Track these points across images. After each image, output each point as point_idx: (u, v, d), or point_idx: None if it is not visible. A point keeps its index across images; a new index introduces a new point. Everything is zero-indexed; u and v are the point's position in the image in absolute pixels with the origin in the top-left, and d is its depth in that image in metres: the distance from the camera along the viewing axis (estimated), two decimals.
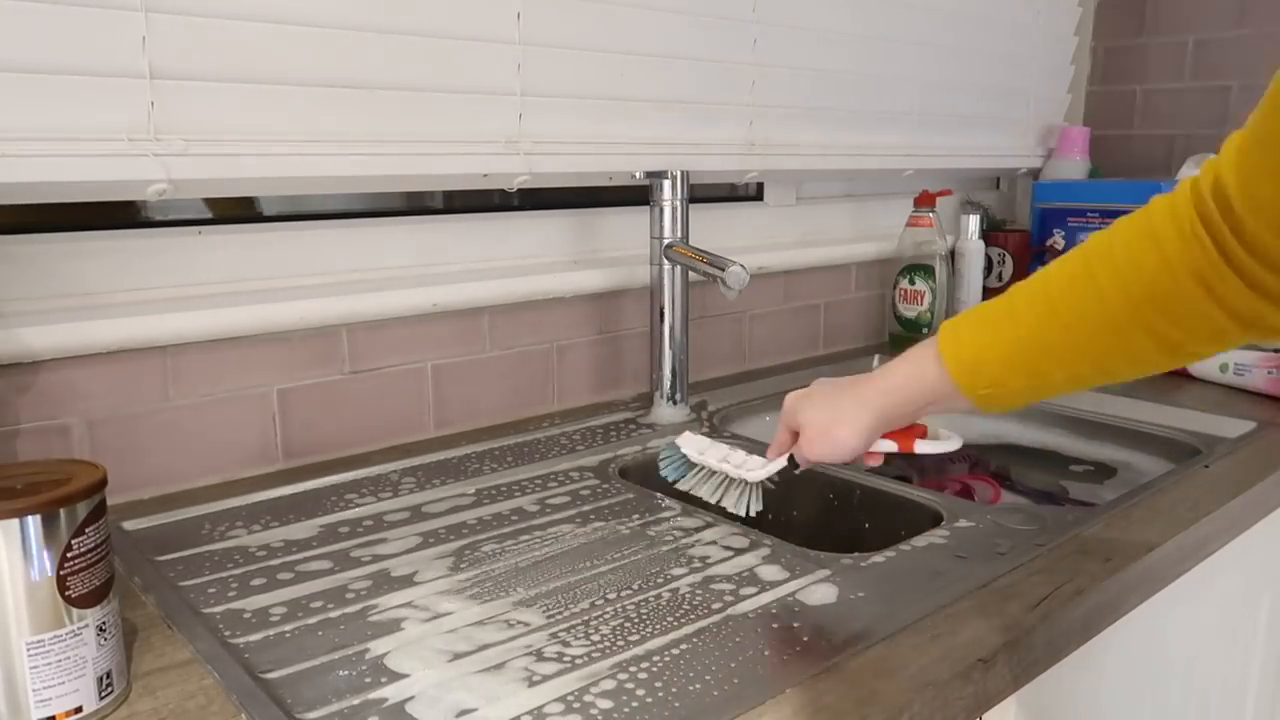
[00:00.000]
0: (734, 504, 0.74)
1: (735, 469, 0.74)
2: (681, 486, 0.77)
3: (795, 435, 0.71)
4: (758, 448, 0.79)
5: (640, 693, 0.54)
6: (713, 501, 0.75)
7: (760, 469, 0.73)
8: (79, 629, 0.51)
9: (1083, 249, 0.58)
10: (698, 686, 0.55)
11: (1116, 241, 0.56)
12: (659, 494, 0.86)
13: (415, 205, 1.09)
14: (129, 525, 0.78)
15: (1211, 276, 0.53)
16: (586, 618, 0.63)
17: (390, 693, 0.55)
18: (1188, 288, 0.53)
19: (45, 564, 0.50)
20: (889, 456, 0.70)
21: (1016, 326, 0.59)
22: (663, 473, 0.79)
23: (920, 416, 0.67)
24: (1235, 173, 0.51)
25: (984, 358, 0.60)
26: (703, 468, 0.77)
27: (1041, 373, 0.59)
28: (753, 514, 0.73)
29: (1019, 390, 0.60)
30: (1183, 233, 0.53)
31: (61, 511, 0.50)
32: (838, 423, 0.66)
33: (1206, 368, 1.23)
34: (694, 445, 0.78)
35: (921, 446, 0.69)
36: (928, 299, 1.41)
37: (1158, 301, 0.54)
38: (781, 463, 0.72)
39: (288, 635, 0.61)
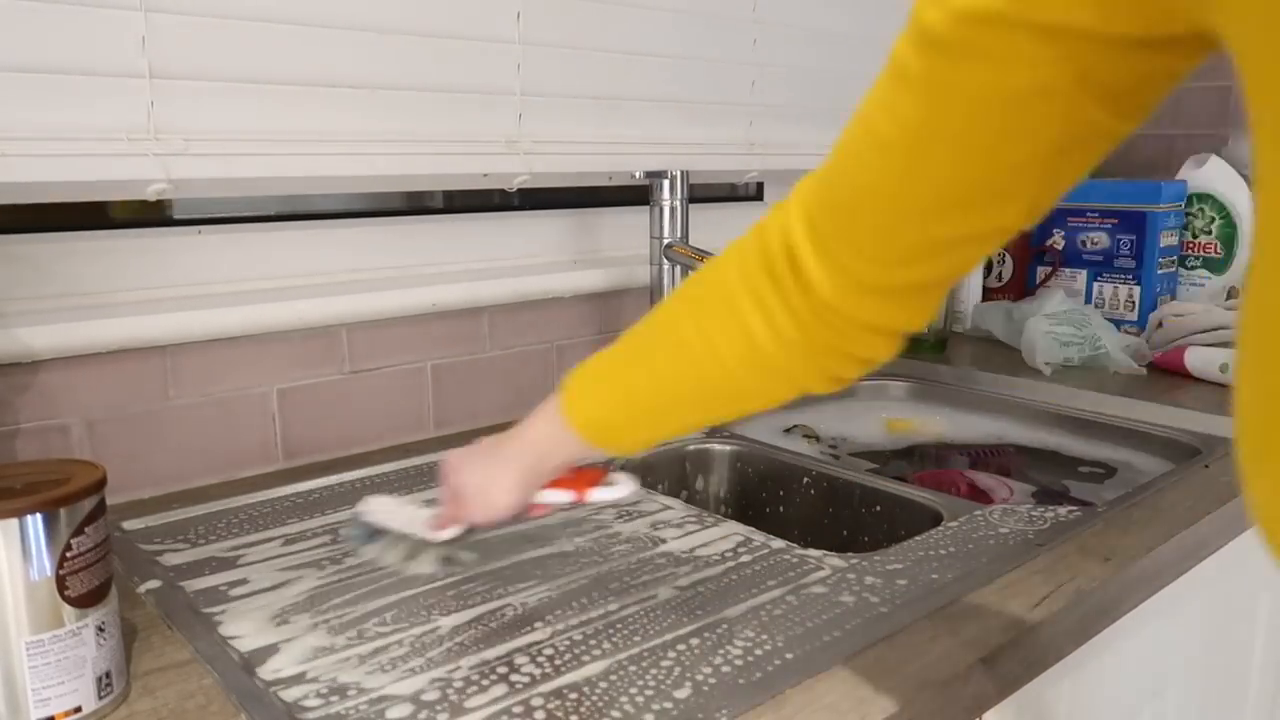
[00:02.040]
0: (431, 565, 0.70)
1: (421, 536, 0.69)
2: (370, 554, 0.71)
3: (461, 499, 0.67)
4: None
5: (634, 695, 0.54)
6: (401, 563, 0.70)
7: (437, 534, 0.68)
8: (78, 629, 0.51)
9: (676, 313, 0.58)
10: (696, 683, 0.55)
11: (705, 308, 0.56)
12: (659, 494, 0.86)
13: (415, 205, 1.09)
14: (129, 525, 0.78)
15: (794, 336, 0.52)
16: (584, 617, 0.63)
17: (390, 690, 0.55)
18: (769, 350, 0.53)
19: (45, 564, 0.50)
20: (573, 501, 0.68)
21: (631, 392, 0.59)
22: (351, 540, 0.73)
23: (567, 467, 0.65)
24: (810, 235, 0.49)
25: (608, 419, 0.60)
26: (390, 533, 0.70)
27: (661, 426, 0.60)
28: (440, 574, 0.71)
29: (643, 440, 0.61)
30: (761, 301, 0.52)
31: (61, 511, 0.50)
32: (490, 484, 0.64)
33: (1207, 368, 1.23)
34: (379, 511, 0.71)
35: (595, 494, 0.67)
36: None
37: (747, 363, 0.54)
38: (458, 529, 0.68)
39: (287, 634, 0.61)
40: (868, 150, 0.45)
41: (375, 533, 0.71)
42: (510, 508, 0.64)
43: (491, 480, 0.64)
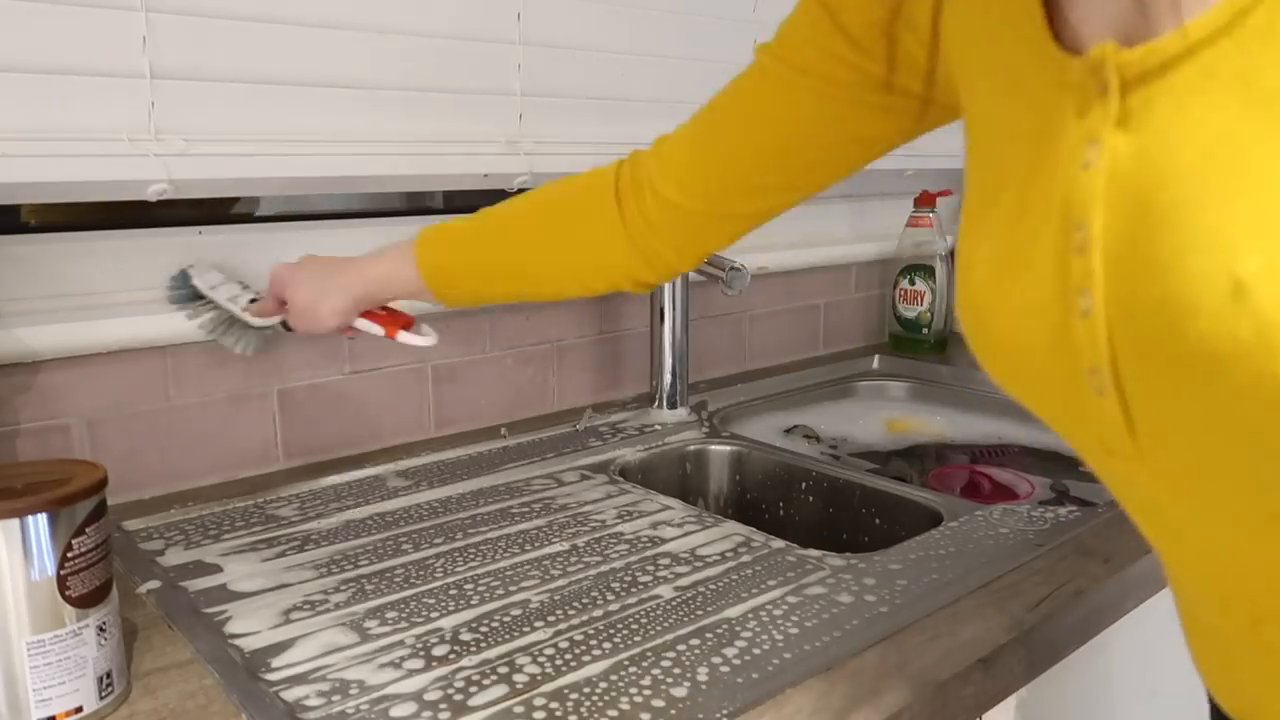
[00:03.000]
0: (232, 343, 0.82)
1: (241, 311, 0.80)
2: (186, 317, 0.82)
3: (283, 303, 0.78)
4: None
5: (635, 695, 0.54)
6: (210, 336, 0.82)
7: (262, 320, 0.80)
8: (79, 629, 0.51)
9: (538, 202, 0.72)
10: (696, 683, 0.55)
11: (556, 198, 0.71)
12: (659, 494, 0.86)
13: (415, 205, 1.09)
14: (129, 525, 0.78)
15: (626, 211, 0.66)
16: (586, 617, 0.63)
17: (392, 690, 0.55)
18: (603, 249, 0.68)
19: (46, 564, 0.50)
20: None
21: (479, 250, 0.72)
22: (169, 298, 0.83)
23: (394, 301, 0.77)
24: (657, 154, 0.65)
25: (452, 270, 0.72)
26: (209, 301, 0.82)
27: (490, 288, 0.73)
28: (248, 353, 0.83)
29: (470, 295, 0.75)
30: (606, 196, 0.67)
31: (62, 512, 0.50)
32: (320, 303, 0.74)
33: None
34: (206, 279, 0.82)
35: (403, 338, 0.77)
36: (927, 299, 1.41)
37: (581, 244, 0.69)
38: (275, 320, 0.80)
39: (288, 634, 0.61)
40: (723, 120, 0.60)
41: (197, 296, 0.82)
42: (332, 328, 0.75)
43: (323, 300, 0.74)
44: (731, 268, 0.97)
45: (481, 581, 0.69)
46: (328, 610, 0.64)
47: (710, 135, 0.61)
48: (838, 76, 0.54)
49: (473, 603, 0.65)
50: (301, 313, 0.76)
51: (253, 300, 0.82)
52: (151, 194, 0.79)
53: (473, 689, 0.55)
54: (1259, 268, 0.28)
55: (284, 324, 0.80)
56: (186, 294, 0.82)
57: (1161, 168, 0.32)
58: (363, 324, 0.76)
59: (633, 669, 0.57)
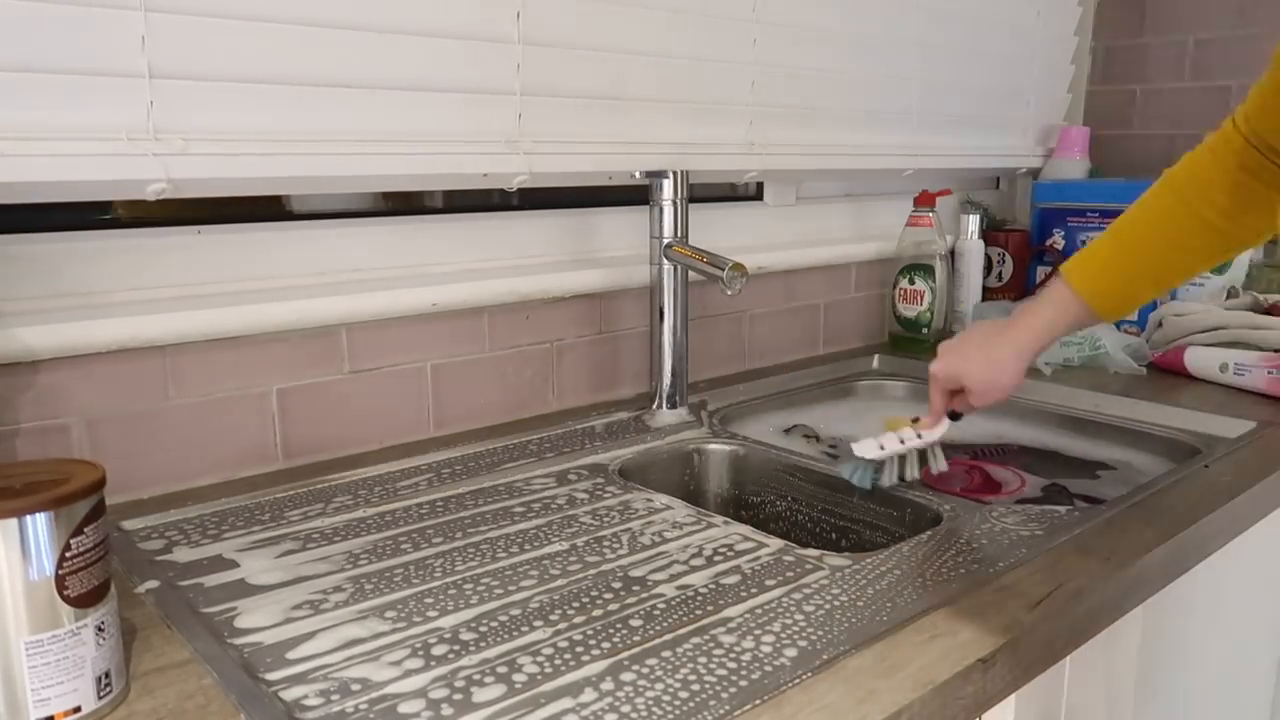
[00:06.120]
0: (921, 469, 0.88)
1: (920, 442, 0.87)
2: (884, 485, 0.87)
3: (951, 392, 0.88)
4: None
5: (635, 695, 0.54)
6: (911, 478, 0.87)
7: (935, 430, 0.87)
8: (77, 629, 0.51)
9: (1161, 183, 0.80)
10: (697, 687, 0.55)
11: (1182, 169, 0.79)
12: (659, 494, 0.86)
13: (415, 205, 1.09)
14: (128, 525, 0.78)
15: (1255, 167, 0.76)
16: (585, 617, 0.63)
17: (391, 689, 0.55)
18: (1240, 179, 0.76)
19: (44, 564, 0.50)
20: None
21: (1126, 254, 0.80)
22: (856, 484, 0.87)
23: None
24: (1252, 112, 0.75)
25: (1114, 288, 0.80)
26: (888, 459, 0.87)
27: (1158, 289, 0.81)
28: (943, 470, 0.89)
29: (1142, 302, 0.82)
30: (1232, 146, 0.76)
31: (61, 511, 0.50)
32: (1001, 374, 0.83)
33: (1207, 368, 1.23)
34: (870, 448, 0.87)
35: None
36: (927, 299, 1.41)
37: (1214, 198, 0.77)
38: (947, 422, 0.88)
39: (287, 634, 0.61)
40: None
41: (878, 466, 0.87)
42: (1012, 390, 0.85)
43: (1004, 370, 0.84)
44: (731, 267, 0.97)
45: (481, 581, 0.69)
46: (327, 609, 0.64)
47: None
48: None
49: (472, 602, 0.65)
50: (984, 391, 0.84)
51: (914, 420, 0.89)
52: (151, 194, 0.79)
53: (473, 688, 0.55)
54: None
55: (952, 415, 0.88)
56: (870, 474, 0.87)
57: None
58: None
59: (633, 668, 0.57)
